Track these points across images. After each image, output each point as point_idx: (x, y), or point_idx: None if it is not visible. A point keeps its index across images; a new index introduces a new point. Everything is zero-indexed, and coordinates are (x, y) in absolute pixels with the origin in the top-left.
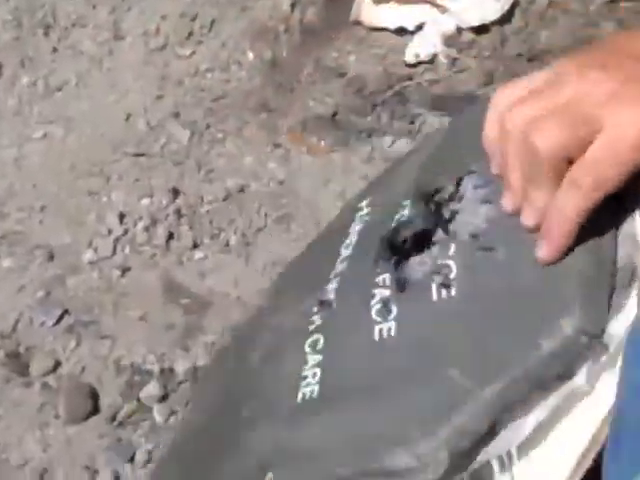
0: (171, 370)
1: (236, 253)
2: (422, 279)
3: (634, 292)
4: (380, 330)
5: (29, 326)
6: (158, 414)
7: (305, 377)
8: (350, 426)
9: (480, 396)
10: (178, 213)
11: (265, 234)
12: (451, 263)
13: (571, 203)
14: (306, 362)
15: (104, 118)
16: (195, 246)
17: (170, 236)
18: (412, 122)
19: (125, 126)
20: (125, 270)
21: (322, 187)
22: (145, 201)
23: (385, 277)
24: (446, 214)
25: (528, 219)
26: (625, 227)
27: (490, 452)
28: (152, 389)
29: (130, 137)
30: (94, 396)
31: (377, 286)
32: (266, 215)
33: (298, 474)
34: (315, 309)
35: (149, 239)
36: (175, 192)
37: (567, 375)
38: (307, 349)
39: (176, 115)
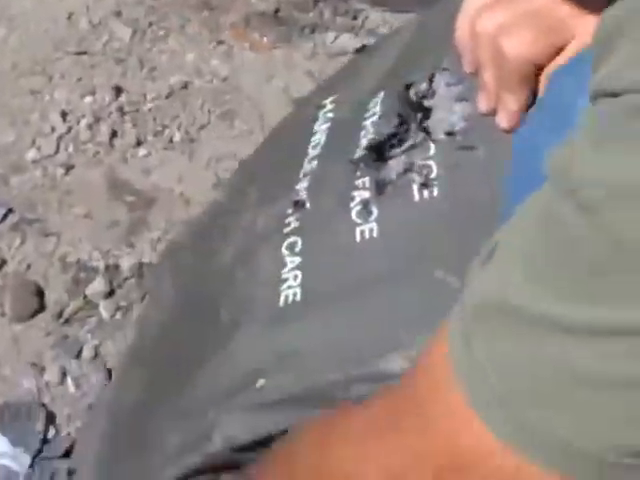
0: (116, 267)
1: (180, 149)
2: (402, 180)
3: None
4: (362, 232)
5: None
6: (104, 310)
7: (285, 280)
8: (338, 330)
9: None
10: (121, 111)
11: (209, 130)
12: (431, 163)
13: None
14: (285, 264)
15: (46, 17)
16: (139, 143)
17: (114, 134)
18: (355, 18)
19: (67, 25)
20: (69, 168)
21: (265, 83)
22: (88, 99)
23: (365, 180)
24: (420, 111)
25: (502, 122)
26: None
27: None
28: (98, 285)
29: (72, 36)
30: (40, 293)
31: (357, 188)
32: (209, 111)
33: (290, 379)
34: (289, 210)
35: (92, 137)
36: (118, 90)
37: None
38: (285, 251)
39: (118, 13)
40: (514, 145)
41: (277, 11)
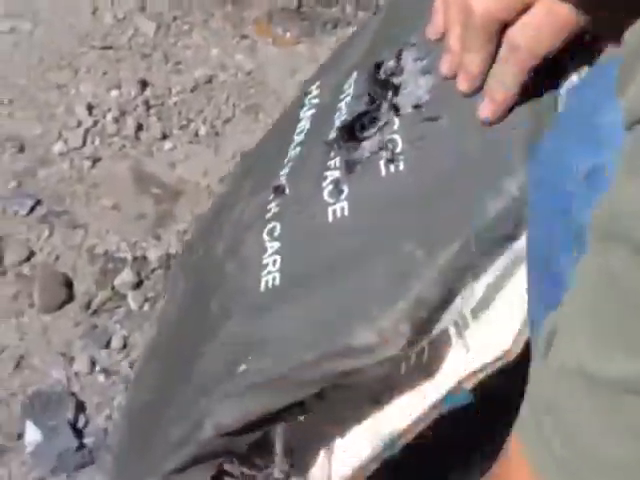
0: (144, 258)
1: (205, 143)
2: (370, 157)
3: None
4: (334, 211)
5: (2, 216)
6: (132, 301)
7: (266, 265)
8: (313, 311)
9: (434, 264)
10: (147, 104)
11: (233, 124)
12: (396, 137)
13: (512, 64)
14: (265, 250)
15: (71, 11)
16: (164, 137)
17: (139, 127)
18: (375, 13)
19: (92, 19)
20: (96, 161)
21: (289, 77)
22: (114, 93)
23: (337, 160)
24: (390, 89)
25: (462, 84)
26: (564, 86)
27: (447, 319)
28: (126, 276)
29: (97, 30)
30: (68, 284)
31: (329, 169)
32: (234, 105)
33: (268, 363)
34: (271, 197)
35: (119, 130)
36: (143, 84)
37: (513, 236)
38: (265, 237)
39: (142, 8)
40: (540, 158)
41: (300, 6)
